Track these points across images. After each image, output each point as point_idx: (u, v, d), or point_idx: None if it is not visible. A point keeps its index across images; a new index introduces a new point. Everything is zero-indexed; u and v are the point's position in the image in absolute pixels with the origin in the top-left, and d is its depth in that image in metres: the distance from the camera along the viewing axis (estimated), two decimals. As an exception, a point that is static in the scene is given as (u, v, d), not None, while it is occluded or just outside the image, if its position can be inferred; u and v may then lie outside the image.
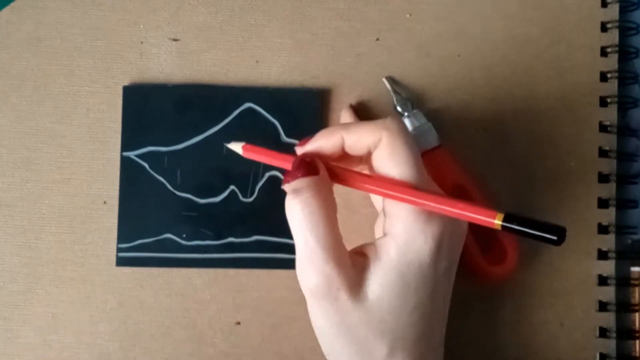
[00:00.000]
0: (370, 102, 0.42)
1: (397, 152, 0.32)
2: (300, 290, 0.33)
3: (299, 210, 0.31)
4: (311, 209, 0.31)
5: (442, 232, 0.32)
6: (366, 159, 0.34)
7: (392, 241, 0.32)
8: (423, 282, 0.32)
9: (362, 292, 0.32)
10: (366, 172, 0.34)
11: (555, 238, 0.27)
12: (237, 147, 0.36)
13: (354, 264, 0.32)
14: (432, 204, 0.31)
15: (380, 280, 0.31)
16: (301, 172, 0.32)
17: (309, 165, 0.33)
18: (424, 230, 0.31)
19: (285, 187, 0.33)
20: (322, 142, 0.34)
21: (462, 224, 0.34)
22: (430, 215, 0.31)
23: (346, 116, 0.40)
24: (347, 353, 0.32)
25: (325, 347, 0.33)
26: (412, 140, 0.33)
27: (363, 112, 0.42)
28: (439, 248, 0.32)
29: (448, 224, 0.32)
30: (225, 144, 0.37)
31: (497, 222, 0.29)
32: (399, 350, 0.32)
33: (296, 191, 0.32)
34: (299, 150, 0.35)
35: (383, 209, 0.33)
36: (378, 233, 0.36)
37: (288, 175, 0.33)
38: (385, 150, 0.32)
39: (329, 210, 0.32)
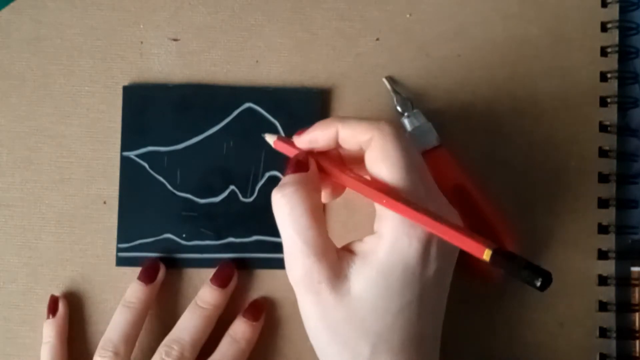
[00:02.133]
0: (370, 102, 0.42)
1: (388, 155, 0.32)
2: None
3: (281, 205, 0.32)
4: (292, 204, 0.32)
5: (430, 236, 0.31)
6: (362, 157, 0.34)
7: (379, 241, 0.32)
8: (409, 285, 0.31)
9: (344, 287, 0.32)
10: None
11: (539, 284, 0.27)
12: (271, 139, 0.37)
13: (341, 259, 0.32)
14: (416, 218, 0.30)
15: (363, 279, 0.31)
16: (291, 170, 0.34)
17: (298, 163, 0.34)
18: (409, 233, 0.31)
19: None
20: (317, 133, 0.34)
21: (454, 220, 0.34)
22: None
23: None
24: (331, 349, 0.32)
25: (313, 342, 0.34)
26: (408, 144, 0.33)
27: (363, 112, 0.41)
28: (426, 251, 0.31)
29: None
30: (262, 135, 0.38)
31: (484, 257, 0.29)
32: (383, 353, 0.31)
33: (280, 187, 0.33)
34: (296, 140, 0.35)
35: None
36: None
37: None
38: (375, 152, 0.32)
39: (311, 206, 0.32)
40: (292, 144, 0.36)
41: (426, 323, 0.33)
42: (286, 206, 0.32)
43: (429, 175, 0.34)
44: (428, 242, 0.31)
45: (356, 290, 0.31)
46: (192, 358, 0.37)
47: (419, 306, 0.32)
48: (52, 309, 0.39)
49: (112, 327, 0.38)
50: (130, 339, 0.38)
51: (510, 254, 0.28)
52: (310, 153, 0.35)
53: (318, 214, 0.32)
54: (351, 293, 0.31)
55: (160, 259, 0.40)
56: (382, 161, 0.32)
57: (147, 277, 0.39)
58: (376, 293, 0.31)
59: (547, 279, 0.27)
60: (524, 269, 0.27)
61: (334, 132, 0.34)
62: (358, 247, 0.33)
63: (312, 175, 0.34)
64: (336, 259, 0.32)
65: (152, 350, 0.38)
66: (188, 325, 0.38)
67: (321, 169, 0.35)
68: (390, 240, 0.31)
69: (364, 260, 0.32)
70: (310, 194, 0.33)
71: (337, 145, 0.34)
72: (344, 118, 0.34)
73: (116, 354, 0.37)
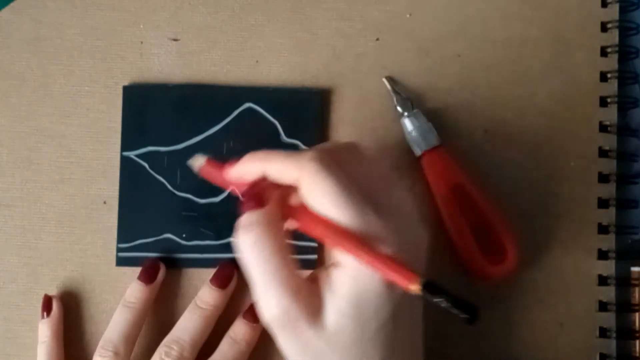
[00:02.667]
0: (370, 102, 0.42)
1: (319, 192, 0.31)
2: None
3: (249, 247, 0.31)
4: (261, 245, 0.31)
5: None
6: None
7: (342, 272, 0.31)
8: (381, 308, 0.31)
9: (320, 321, 0.31)
10: None
11: (467, 316, 0.27)
12: (199, 161, 0.36)
13: (312, 293, 0.32)
14: (354, 252, 0.30)
15: (336, 311, 0.31)
16: (250, 205, 0.32)
17: (255, 197, 0.33)
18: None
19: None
20: (245, 169, 0.34)
21: (419, 236, 0.33)
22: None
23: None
24: None
25: None
26: (340, 175, 0.31)
27: (363, 112, 0.42)
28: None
29: (401, 243, 0.31)
30: (188, 162, 0.37)
31: (413, 287, 0.28)
32: None
33: (245, 227, 0.32)
34: (226, 173, 0.34)
35: None
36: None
37: (241, 206, 0.33)
38: (305, 190, 0.31)
39: (278, 245, 0.31)
40: (223, 169, 0.35)
41: (405, 335, 0.33)
42: (254, 248, 0.31)
43: (384, 192, 0.33)
44: None
45: (331, 322, 0.31)
46: (192, 358, 0.37)
47: (395, 322, 0.32)
48: (47, 308, 0.39)
49: (112, 327, 0.38)
50: (130, 339, 0.38)
51: (438, 288, 0.28)
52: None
53: (286, 250, 0.32)
54: (327, 326, 0.31)
55: (160, 259, 0.40)
56: (314, 198, 0.31)
57: (147, 277, 0.39)
58: (351, 322, 0.31)
59: (474, 315, 0.27)
60: (453, 305, 0.27)
61: (260, 170, 0.33)
62: (324, 278, 0.32)
63: (273, 209, 0.32)
64: (308, 294, 0.32)
65: (152, 350, 0.38)
66: (188, 325, 0.38)
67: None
68: (352, 270, 0.31)
69: (333, 292, 0.31)
70: (275, 231, 0.32)
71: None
72: (269, 156, 0.33)
73: (116, 353, 0.37)
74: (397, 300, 0.31)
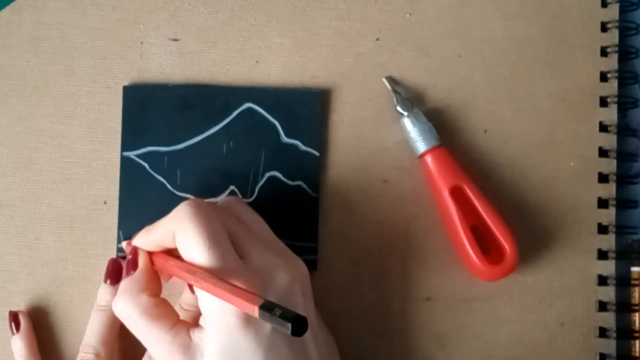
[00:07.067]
0: (370, 102, 0.42)
1: (188, 238, 0.33)
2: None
3: (119, 315, 0.35)
4: (126, 314, 0.34)
5: (229, 310, 0.32)
6: None
7: (206, 330, 0.33)
8: (254, 349, 0.32)
9: None
10: None
11: (289, 332, 0.28)
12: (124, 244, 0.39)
13: (191, 350, 0.33)
14: (201, 284, 0.31)
15: None
16: (125, 272, 0.36)
17: (128, 264, 0.36)
18: (222, 311, 0.32)
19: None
20: (140, 244, 0.37)
21: (296, 275, 0.34)
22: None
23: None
24: None
25: None
26: (209, 221, 0.33)
27: (363, 112, 0.42)
28: (247, 319, 0.32)
29: (266, 282, 0.33)
30: (119, 245, 0.40)
31: (255, 307, 0.29)
32: None
33: (115, 296, 0.35)
34: (127, 248, 0.38)
35: None
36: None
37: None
38: (178, 240, 0.33)
39: (143, 307, 0.34)
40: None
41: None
42: (122, 316, 0.35)
43: (251, 230, 0.35)
44: (238, 313, 0.32)
45: None
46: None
47: (276, 355, 0.32)
48: (15, 324, 0.39)
49: (89, 332, 0.38)
50: (108, 341, 0.38)
51: (272, 304, 0.29)
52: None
53: (156, 309, 0.34)
54: None
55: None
56: (184, 246, 0.33)
57: (113, 278, 0.39)
58: None
59: (299, 325, 0.28)
60: (284, 319, 0.28)
61: (151, 242, 0.36)
62: (196, 337, 0.33)
63: (139, 274, 0.36)
64: (188, 348, 0.33)
65: (136, 350, 0.38)
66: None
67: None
68: (212, 330, 0.32)
69: (206, 349, 0.33)
70: (140, 295, 0.35)
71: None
72: (150, 227, 0.36)
73: (97, 355, 0.38)
74: (269, 339, 0.32)
